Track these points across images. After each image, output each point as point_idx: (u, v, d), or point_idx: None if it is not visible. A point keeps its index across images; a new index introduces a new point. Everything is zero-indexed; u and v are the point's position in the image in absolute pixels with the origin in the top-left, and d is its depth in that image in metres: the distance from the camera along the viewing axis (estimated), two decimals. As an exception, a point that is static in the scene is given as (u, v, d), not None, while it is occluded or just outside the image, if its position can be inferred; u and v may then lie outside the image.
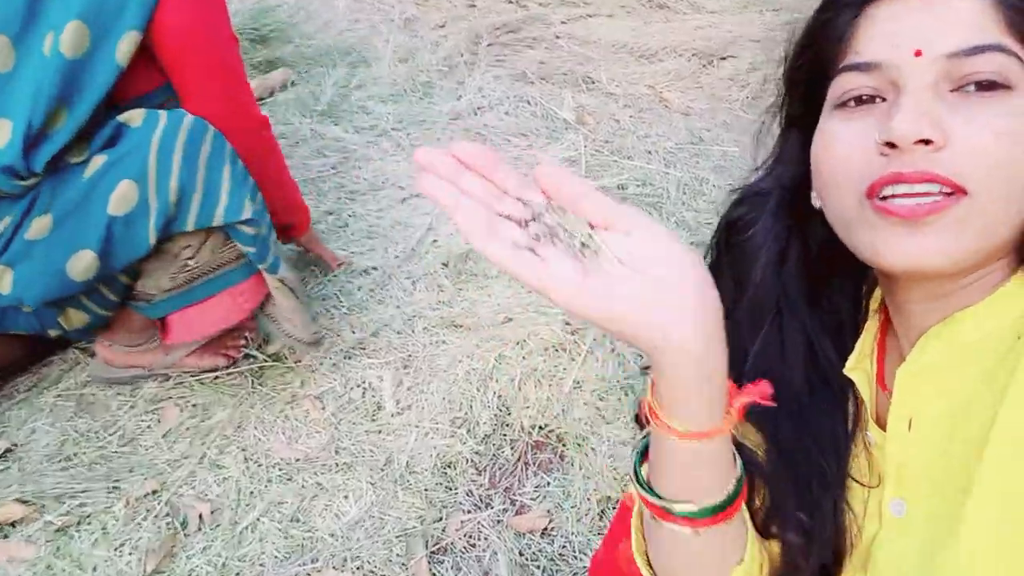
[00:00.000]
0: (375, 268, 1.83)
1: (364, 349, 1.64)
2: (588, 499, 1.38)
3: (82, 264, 1.25)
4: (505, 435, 1.48)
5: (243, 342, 1.61)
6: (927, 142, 0.51)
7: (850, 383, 0.65)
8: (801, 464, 0.65)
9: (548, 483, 1.41)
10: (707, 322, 0.47)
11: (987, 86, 0.52)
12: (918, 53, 0.53)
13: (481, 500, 1.38)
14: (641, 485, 0.57)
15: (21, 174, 1.20)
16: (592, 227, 0.47)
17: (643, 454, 0.59)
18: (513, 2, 3.50)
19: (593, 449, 1.45)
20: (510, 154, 2.29)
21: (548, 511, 1.37)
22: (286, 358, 1.60)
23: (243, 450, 1.43)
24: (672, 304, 0.46)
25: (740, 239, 0.68)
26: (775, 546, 0.66)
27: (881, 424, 0.63)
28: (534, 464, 1.45)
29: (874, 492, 0.63)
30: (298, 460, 1.41)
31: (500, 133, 2.40)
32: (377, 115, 2.48)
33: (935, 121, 0.51)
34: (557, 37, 3.15)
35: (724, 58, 2.93)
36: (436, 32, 3.14)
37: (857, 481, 0.65)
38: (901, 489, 0.60)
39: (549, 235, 0.47)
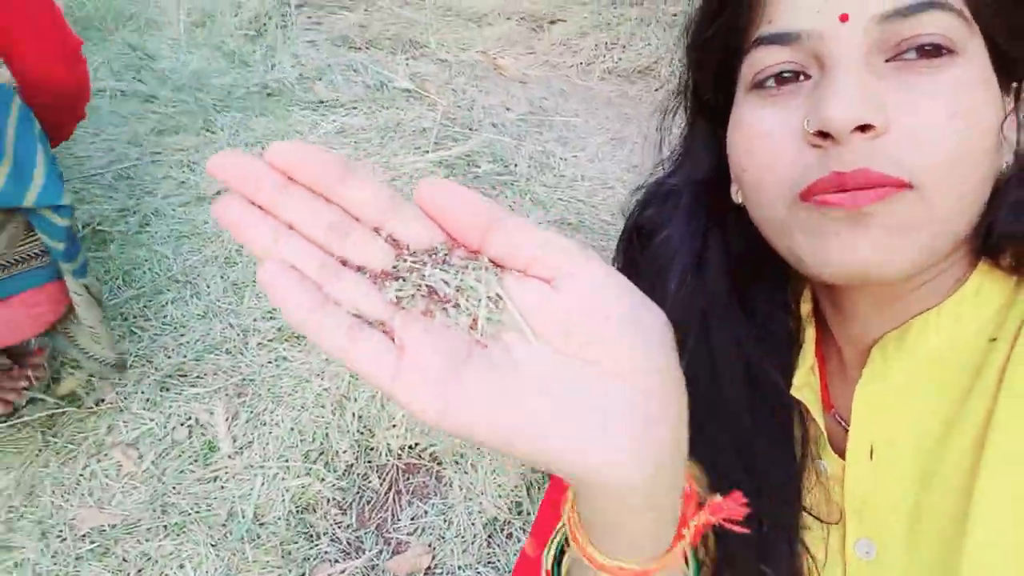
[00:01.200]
0: (188, 275, 1.54)
1: (185, 377, 1.37)
2: (472, 524, 1.23)
3: None
4: (370, 462, 1.29)
5: (24, 384, 1.28)
6: (866, 128, 0.42)
7: (797, 404, 0.55)
8: (751, 505, 0.54)
9: (426, 511, 1.25)
10: (665, 438, 0.32)
11: (930, 52, 0.43)
12: (844, 18, 0.44)
13: (350, 544, 1.19)
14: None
15: None
16: (499, 270, 0.31)
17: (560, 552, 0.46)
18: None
19: (472, 465, 1.29)
20: (351, 124, 2.04)
21: (429, 545, 1.21)
22: (83, 399, 1.29)
23: (39, 523, 1.13)
24: (615, 417, 0.31)
25: (651, 245, 0.59)
26: None
27: (836, 451, 0.54)
28: (407, 492, 1.28)
29: (834, 530, 0.55)
30: (114, 527, 1.14)
31: (330, 108, 2.14)
32: (176, 87, 2.12)
33: (874, 100, 0.42)
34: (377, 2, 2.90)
35: (553, 22, 2.84)
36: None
37: (816, 517, 0.55)
38: (865, 528, 0.53)
39: (423, 302, 0.30)
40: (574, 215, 1.91)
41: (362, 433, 1.32)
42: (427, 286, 0.30)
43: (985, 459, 0.46)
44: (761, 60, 0.46)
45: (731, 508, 0.40)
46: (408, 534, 1.22)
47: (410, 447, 1.32)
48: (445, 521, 1.24)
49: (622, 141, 2.24)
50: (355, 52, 2.52)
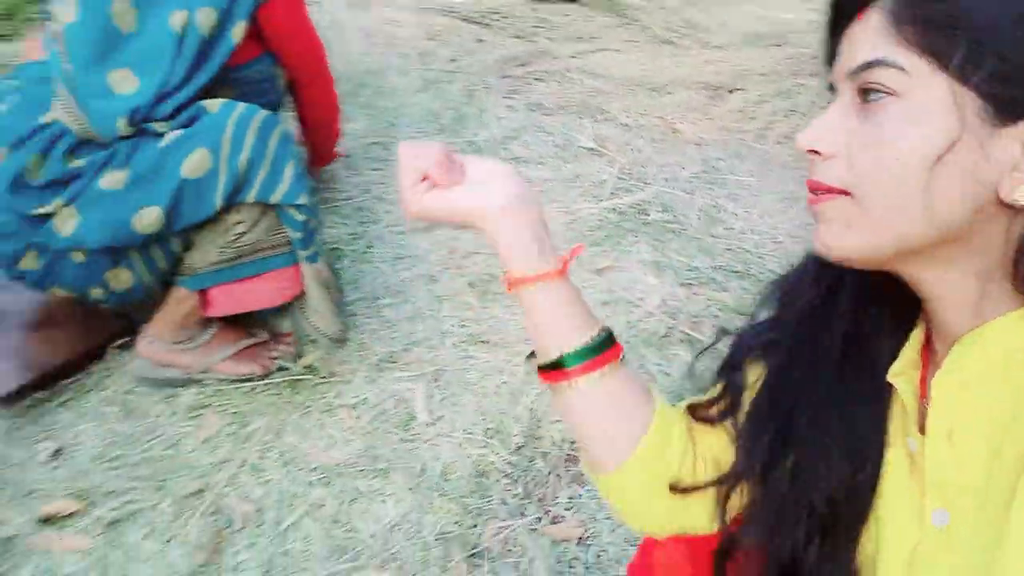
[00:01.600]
0: (401, 287, 1.88)
1: (395, 363, 1.68)
2: (620, 509, 1.41)
3: (148, 219, 1.36)
4: (537, 447, 1.52)
5: (276, 354, 1.65)
6: (815, 152, 0.59)
7: (889, 388, 0.66)
8: (797, 409, 0.69)
9: (580, 494, 1.44)
10: (505, 192, 0.68)
11: (873, 99, 0.56)
12: (841, 75, 0.60)
13: (515, 509, 1.41)
14: (530, 359, 0.72)
15: (136, 120, 1.37)
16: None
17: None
18: (521, 37, 3.60)
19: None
20: (539, 176, 2.35)
21: (583, 521, 1.40)
22: (319, 370, 1.63)
23: (282, 455, 1.45)
24: (480, 189, 0.68)
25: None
26: (712, 441, 0.75)
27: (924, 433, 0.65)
28: (566, 476, 1.48)
29: (915, 498, 0.64)
30: (336, 465, 1.44)
31: (524, 162, 2.47)
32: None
33: (824, 134, 0.58)
34: (567, 71, 3.24)
35: (732, 91, 3.02)
36: (450, 67, 3.22)
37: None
38: (943, 500, 0.61)
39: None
40: (740, 264, 2.06)
41: (532, 423, 1.56)
42: None
43: None
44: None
45: (579, 249, 0.72)
46: (565, 510, 1.42)
47: (571, 441, 1.54)
48: (598, 505, 1.43)
49: (796, 201, 2.36)
50: (547, 116, 2.85)
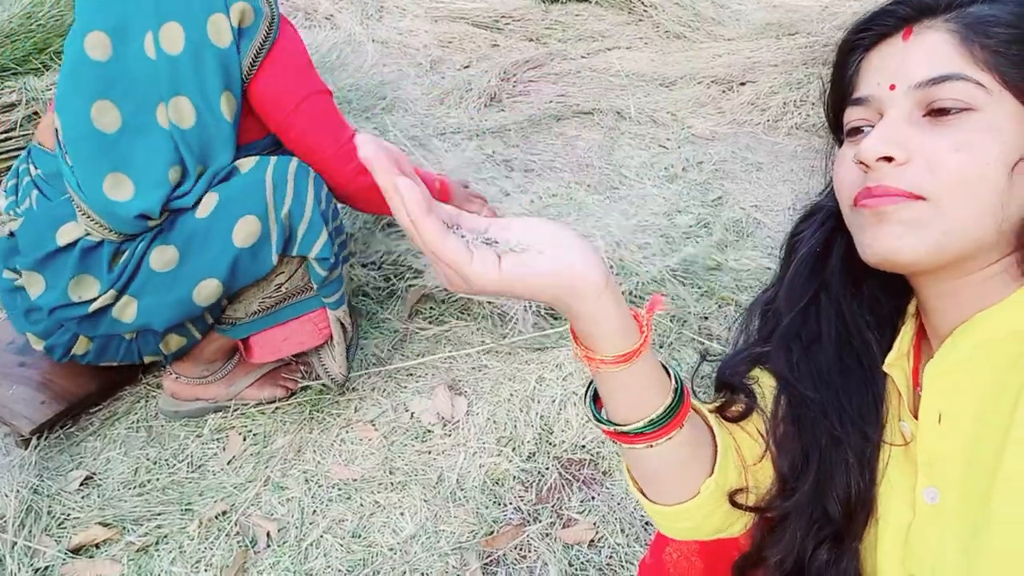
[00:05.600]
0: (423, 300, 1.93)
1: (411, 376, 1.73)
2: (632, 513, 1.44)
3: (208, 290, 1.40)
4: (549, 453, 1.55)
5: (299, 375, 1.71)
6: (889, 159, 0.60)
7: (884, 377, 0.71)
8: (818, 417, 0.72)
9: (592, 498, 1.48)
10: (598, 260, 0.57)
11: (946, 110, 0.60)
12: (892, 87, 0.62)
13: (529, 515, 1.45)
14: (599, 420, 0.68)
15: (152, 217, 1.35)
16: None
17: (595, 397, 0.70)
18: (534, 40, 3.63)
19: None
20: (548, 183, 2.38)
21: (594, 523, 1.43)
22: (340, 387, 1.69)
23: (304, 472, 1.51)
24: (567, 256, 0.56)
25: (795, 245, 0.78)
26: (765, 475, 0.75)
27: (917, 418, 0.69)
28: (578, 480, 1.52)
29: (907, 478, 0.69)
30: (355, 480, 1.49)
31: (535, 172, 2.51)
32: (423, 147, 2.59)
33: (897, 141, 0.60)
34: (579, 72, 3.27)
35: (743, 83, 3.02)
36: (464, 73, 3.27)
37: (891, 443, 0.71)
38: (933, 478, 0.66)
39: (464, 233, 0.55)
40: (759, 255, 2.07)
41: (543, 430, 1.59)
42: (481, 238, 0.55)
43: (1015, 419, 0.59)
44: (850, 116, 0.67)
45: (658, 302, 0.63)
46: (577, 513, 1.46)
47: (581, 446, 1.57)
48: (608, 507, 1.46)
49: (809, 195, 2.36)
50: (555, 119, 2.88)
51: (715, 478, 0.71)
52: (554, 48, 3.46)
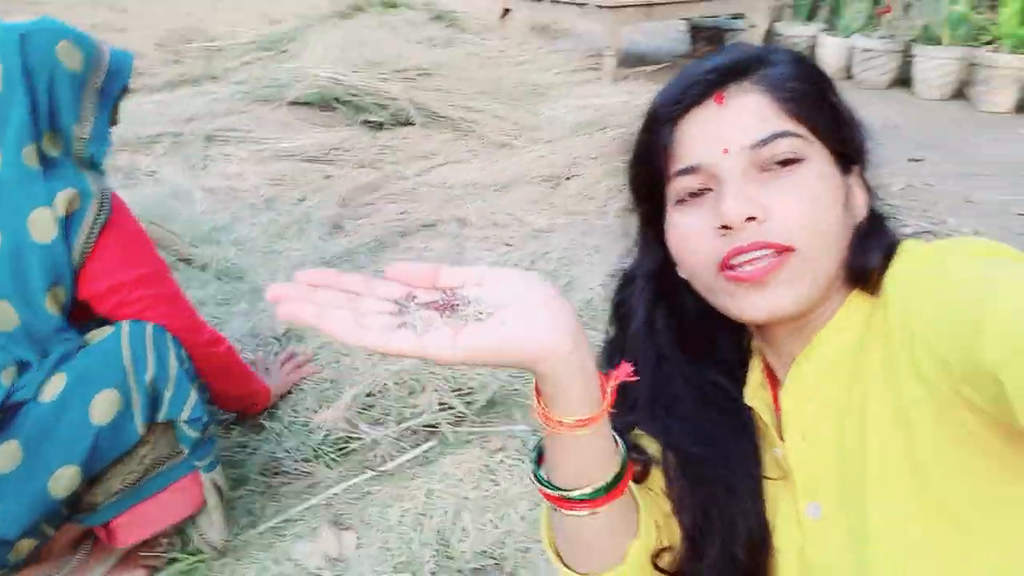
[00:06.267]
0: (279, 433, 1.83)
1: (289, 522, 1.62)
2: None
3: (65, 480, 1.26)
4: (451, 568, 1.49)
5: (161, 548, 1.55)
6: (752, 218, 0.63)
7: (749, 411, 0.75)
8: (706, 470, 0.74)
9: (502, 603, 1.42)
10: (568, 323, 0.57)
11: (786, 162, 0.65)
12: (725, 151, 0.66)
13: (442, 638, 1.37)
14: (541, 482, 0.67)
15: None
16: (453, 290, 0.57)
17: (537, 458, 0.69)
18: (366, 166, 3.70)
19: (541, 554, 1.47)
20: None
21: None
22: (221, 554, 1.55)
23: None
24: (537, 319, 0.55)
25: (624, 313, 0.80)
26: (674, 530, 0.75)
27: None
28: (486, 586, 1.46)
29: (790, 502, 0.72)
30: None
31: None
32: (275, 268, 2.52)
33: (754, 200, 0.64)
34: (416, 188, 3.35)
35: (569, 178, 3.22)
36: (296, 210, 3.25)
37: (770, 478, 0.75)
38: (812, 494, 0.70)
39: (416, 313, 0.54)
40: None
41: (441, 544, 1.53)
42: (416, 305, 0.54)
43: (869, 425, 0.64)
44: (679, 186, 0.68)
45: (624, 372, 0.63)
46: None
47: (482, 551, 1.52)
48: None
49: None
50: (399, 235, 2.93)
51: (641, 540, 0.71)
52: (388, 170, 3.54)
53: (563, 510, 0.66)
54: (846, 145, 0.69)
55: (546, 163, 3.33)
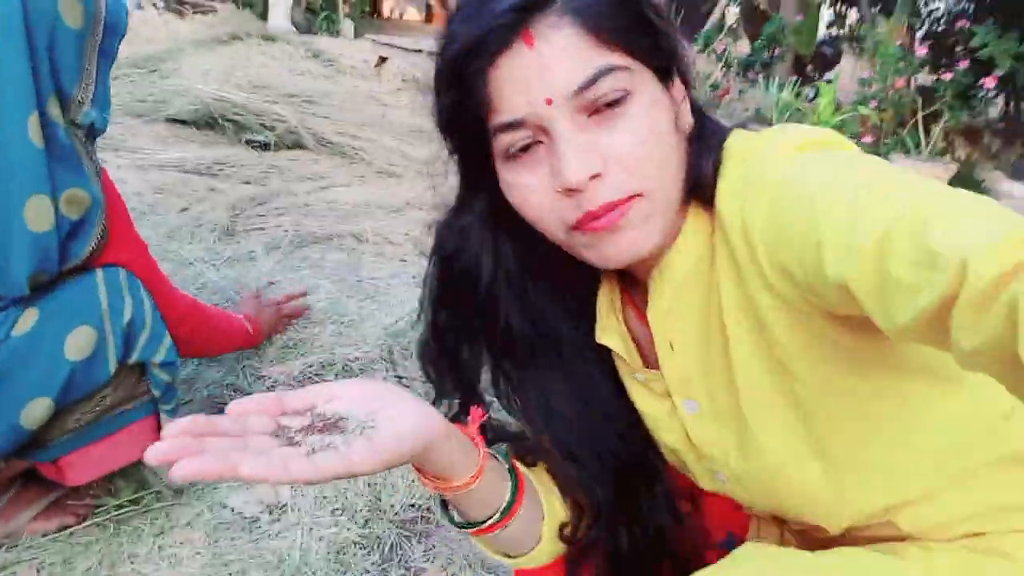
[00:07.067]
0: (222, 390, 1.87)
1: (220, 476, 1.66)
2: (475, 547, 1.54)
3: (38, 411, 1.25)
4: (383, 518, 1.60)
5: (89, 499, 1.54)
6: (596, 175, 0.61)
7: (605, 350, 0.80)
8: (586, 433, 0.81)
9: (434, 546, 1.55)
10: (427, 408, 0.64)
11: (613, 103, 0.61)
12: (549, 101, 0.61)
13: (380, 575, 1.48)
14: (456, 523, 0.76)
15: None
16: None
17: (443, 505, 0.77)
18: (253, 183, 3.73)
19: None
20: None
21: (443, 566, 1.51)
22: (144, 498, 1.56)
23: (124, 589, 1.37)
24: (409, 416, 0.60)
25: (459, 267, 0.76)
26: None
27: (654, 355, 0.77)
28: (416, 535, 1.58)
29: (666, 403, 0.78)
30: (190, 582, 1.39)
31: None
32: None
33: (592, 154, 0.61)
34: (307, 204, 3.44)
35: (459, 206, 3.44)
36: (184, 215, 3.23)
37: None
38: (687, 393, 0.76)
39: (309, 438, 0.54)
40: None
41: (373, 497, 1.64)
42: (305, 428, 0.55)
43: (729, 330, 0.68)
44: (506, 141, 0.64)
45: (477, 415, 0.72)
46: (424, 562, 1.52)
47: (412, 505, 1.65)
48: (450, 549, 1.55)
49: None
50: (301, 246, 3.01)
51: (547, 519, 0.80)
52: (277, 187, 3.60)
53: (485, 535, 0.75)
54: (664, 57, 0.66)
55: (437, 194, 3.53)
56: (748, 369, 0.67)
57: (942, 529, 0.71)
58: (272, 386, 1.87)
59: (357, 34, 6.92)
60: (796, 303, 0.60)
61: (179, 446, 0.49)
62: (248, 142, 4.03)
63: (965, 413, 0.68)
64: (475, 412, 0.72)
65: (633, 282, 0.78)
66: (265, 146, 4.00)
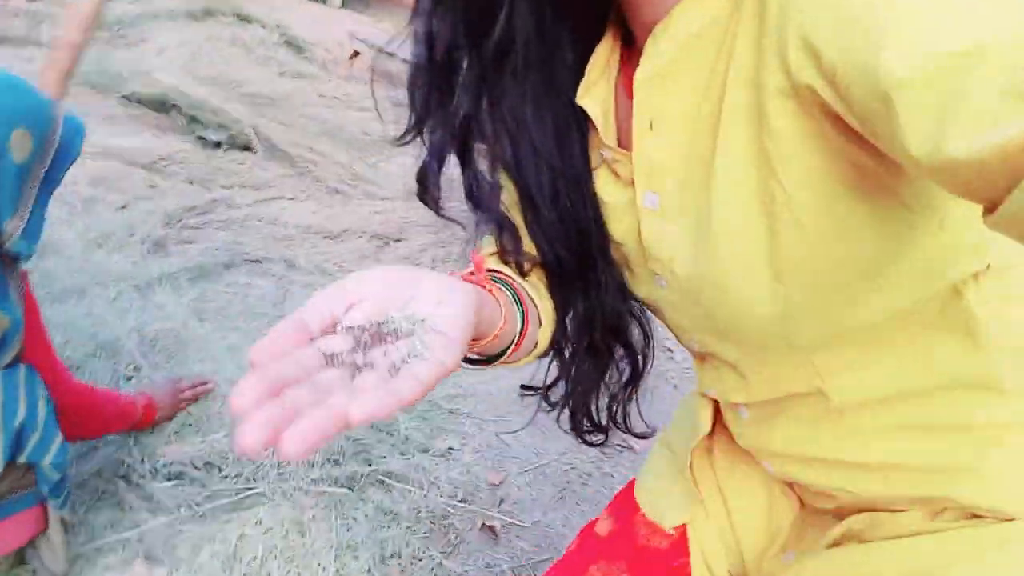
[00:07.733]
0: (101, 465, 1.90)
1: (99, 551, 1.70)
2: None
3: None
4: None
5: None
6: None
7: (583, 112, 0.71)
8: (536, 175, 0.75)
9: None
10: (454, 279, 0.58)
11: None
12: None
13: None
14: (479, 363, 0.74)
15: None
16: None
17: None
18: (196, 183, 3.70)
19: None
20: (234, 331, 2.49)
21: None
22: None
23: None
24: (449, 294, 0.54)
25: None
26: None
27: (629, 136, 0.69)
28: None
29: (627, 192, 0.71)
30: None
31: (222, 316, 2.60)
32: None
33: None
34: (245, 218, 3.43)
35: (398, 240, 3.47)
36: (118, 217, 3.20)
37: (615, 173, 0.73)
38: (651, 184, 0.67)
39: (364, 357, 0.49)
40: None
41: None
42: (354, 347, 0.49)
43: (724, 111, 0.58)
44: None
45: (477, 260, 0.70)
46: None
47: (285, 595, 1.70)
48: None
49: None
50: (230, 267, 3.01)
51: (546, 325, 0.80)
52: (219, 195, 3.57)
53: (508, 361, 0.75)
54: None
55: (379, 220, 3.56)
56: (732, 156, 0.58)
57: (872, 413, 0.68)
58: (167, 464, 1.90)
59: (345, 3, 6.74)
60: (808, 96, 0.51)
61: (266, 420, 0.40)
62: (200, 138, 3.97)
63: (929, 272, 0.61)
64: (476, 258, 0.70)
65: (636, 55, 0.67)
66: (217, 144, 3.96)
